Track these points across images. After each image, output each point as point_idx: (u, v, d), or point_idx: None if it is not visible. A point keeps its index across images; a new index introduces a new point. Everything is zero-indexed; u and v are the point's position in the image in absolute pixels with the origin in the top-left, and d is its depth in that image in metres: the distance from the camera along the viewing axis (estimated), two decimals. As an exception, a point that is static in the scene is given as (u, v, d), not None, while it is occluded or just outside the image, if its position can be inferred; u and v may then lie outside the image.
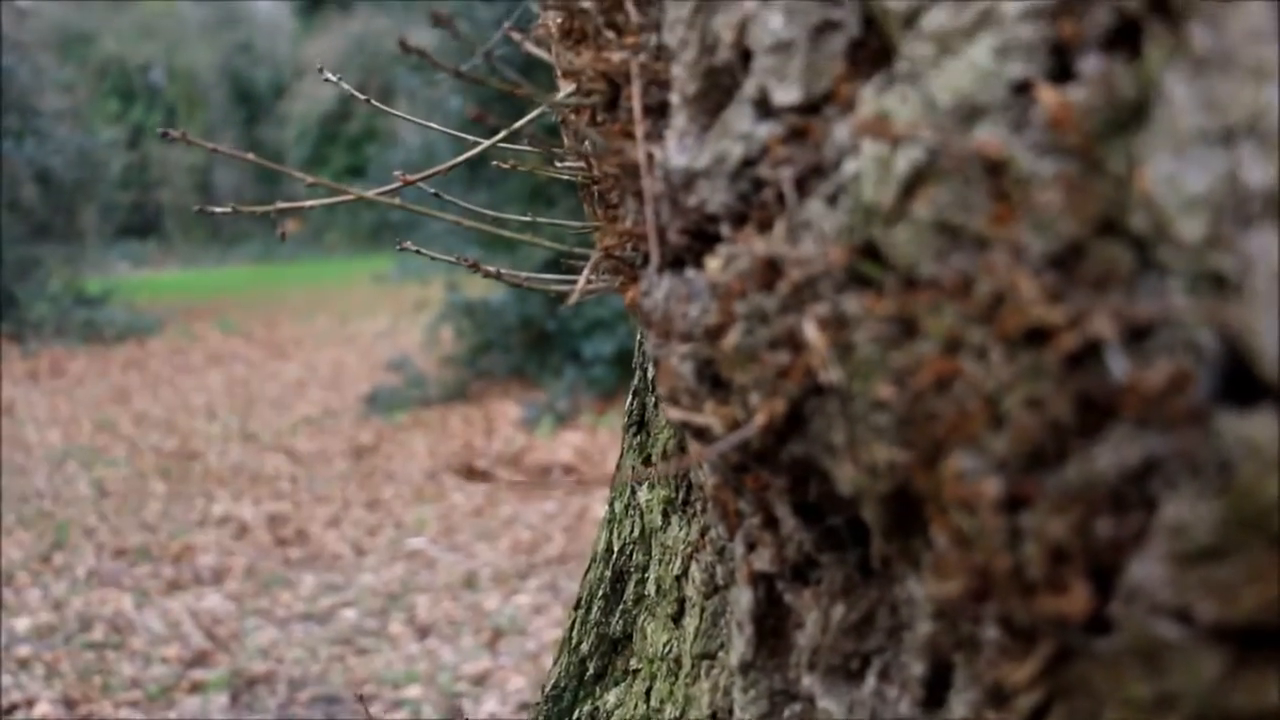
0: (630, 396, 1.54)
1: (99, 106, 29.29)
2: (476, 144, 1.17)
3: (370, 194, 1.04)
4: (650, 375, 1.42)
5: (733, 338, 0.80)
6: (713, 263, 0.81)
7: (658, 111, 0.91)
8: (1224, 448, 0.56)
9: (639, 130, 0.86)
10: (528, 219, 1.35)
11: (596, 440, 11.20)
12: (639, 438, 1.50)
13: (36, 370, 15.82)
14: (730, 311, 0.80)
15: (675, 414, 0.89)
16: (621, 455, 1.57)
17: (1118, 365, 0.58)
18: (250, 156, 1.02)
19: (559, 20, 1.03)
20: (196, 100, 31.51)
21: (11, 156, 17.54)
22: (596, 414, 11.71)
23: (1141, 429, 0.59)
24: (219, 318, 19.55)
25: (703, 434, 0.89)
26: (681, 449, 1.37)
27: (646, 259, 0.93)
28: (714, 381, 0.85)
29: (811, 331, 0.73)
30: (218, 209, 1.11)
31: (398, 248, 1.58)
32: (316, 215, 28.14)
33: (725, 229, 0.82)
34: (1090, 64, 0.65)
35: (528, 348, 12.64)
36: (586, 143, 0.99)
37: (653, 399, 1.45)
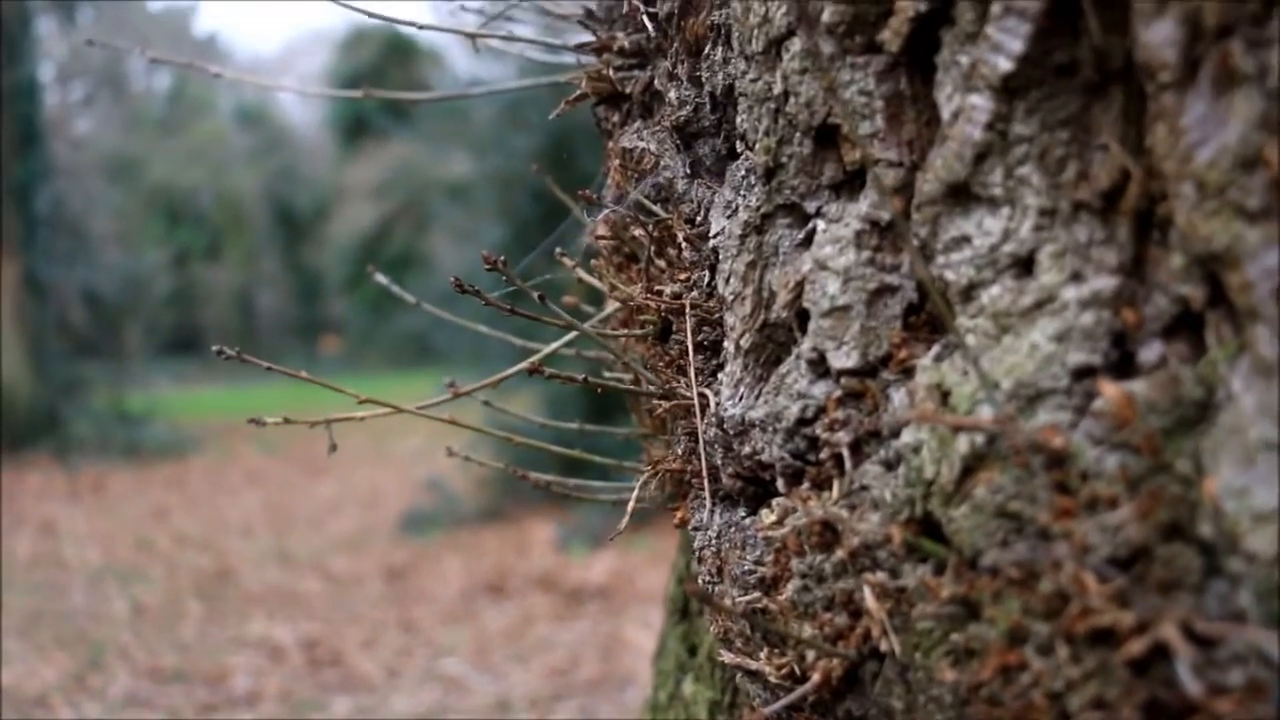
0: (673, 579, 1.53)
1: (147, 229, 29.90)
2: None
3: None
4: (695, 568, 1.41)
5: (789, 593, 0.79)
6: (768, 516, 0.81)
7: (709, 349, 0.92)
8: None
9: (692, 373, 0.86)
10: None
11: (629, 561, 11.10)
12: (683, 625, 1.48)
13: (78, 488, 15.91)
14: (786, 566, 0.79)
15: (729, 657, 0.88)
16: (663, 638, 1.55)
17: (1189, 681, 0.57)
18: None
19: (609, 244, 1.05)
20: (240, 222, 32.14)
21: (62, 280, 17.89)
22: (629, 535, 11.61)
23: (1216, 741, 0.57)
24: (258, 436, 19.66)
25: (756, 677, 0.87)
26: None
27: (697, 481, 0.92)
28: (768, 628, 0.84)
29: (870, 600, 0.72)
30: (266, 423, 1.12)
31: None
32: (355, 337, 28.43)
33: (780, 484, 0.81)
34: (1152, 352, 0.65)
35: (562, 468, 12.60)
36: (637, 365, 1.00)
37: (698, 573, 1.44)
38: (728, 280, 0.85)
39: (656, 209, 1.00)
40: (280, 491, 16.20)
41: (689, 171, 0.97)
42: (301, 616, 10.49)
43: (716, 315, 0.90)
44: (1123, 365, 0.65)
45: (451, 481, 13.81)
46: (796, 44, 0.80)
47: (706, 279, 0.93)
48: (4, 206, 16.24)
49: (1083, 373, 0.65)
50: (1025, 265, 0.69)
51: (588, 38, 1.14)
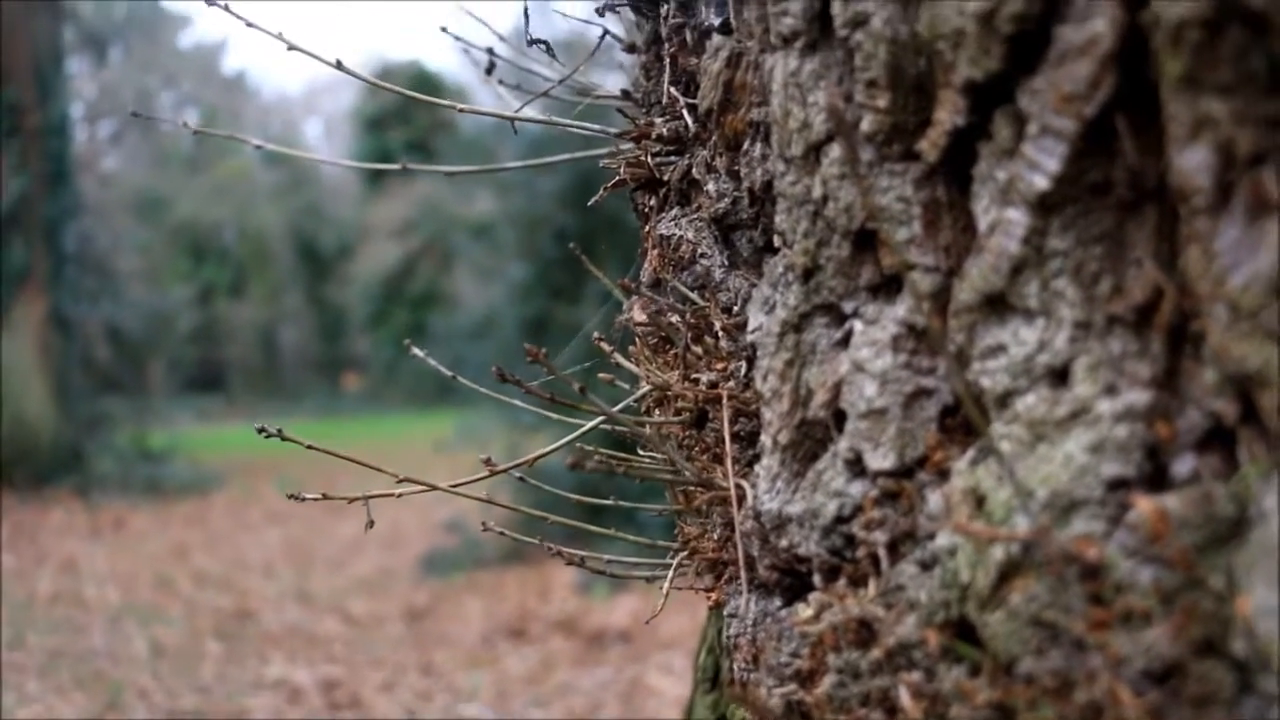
0: (702, 649, 1.53)
1: (172, 265, 30.16)
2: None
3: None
4: (726, 639, 1.42)
5: (824, 687, 0.80)
6: (804, 610, 0.82)
7: (746, 440, 0.93)
8: None
9: (729, 464, 0.88)
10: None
11: (652, 605, 11.01)
12: (713, 694, 1.49)
13: (99, 525, 15.97)
14: (823, 661, 0.81)
15: (764, 745, 0.89)
16: (691, 704, 1.55)
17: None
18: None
19: (646, 330, 1.07)
20: (265, 259, 32.37)
21: (87, 317, 18.03)
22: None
23: None
24: (279, 474, 19.72)
25: (791, 765, 0.88)
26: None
27: (733, 569, 0.94)
28: (803, 719, 0.85)
29: (907, 699, 0.74)
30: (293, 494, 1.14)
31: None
32: (378, 374, 28.53)
33: (817, 578, 0.83)
34: (1185, 466, 0.66)
35: (583, 511, 12.59)
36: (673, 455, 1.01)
37: (728, 662, 1.44)
38: (765, 377, 0.86)
39: (694, 296, 1.02)
40: (301, 530, 16.22)
41: (726, 262, 0.99)
42: (321, 658, 10.48)
43: (753, 407, 0.92)
44: (1156, 478, 0.67)
45: (472, 523, 13.77)
46: (835, 149, 0.82)
47: (744, 370, 0.94)
48: (32, 243, 16.40)
49: (1117, 484, 0.67)
50: (1060, 376, 0.71)
51: (625, 121, 1.17)
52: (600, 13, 1.14)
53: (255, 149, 1.34)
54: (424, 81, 27.12)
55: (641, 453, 1.21)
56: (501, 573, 12.65)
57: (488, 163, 13.07)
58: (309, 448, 1.15)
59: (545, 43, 1.19)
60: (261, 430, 1.11)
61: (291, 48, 1.21)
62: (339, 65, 1.18)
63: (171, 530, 16.08)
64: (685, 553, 1.06)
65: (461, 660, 10.21)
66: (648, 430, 1.06)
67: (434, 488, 1.10)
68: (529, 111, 1.28)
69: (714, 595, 1.03)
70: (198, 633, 11.21)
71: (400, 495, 1.13)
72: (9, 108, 15.07)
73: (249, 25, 1.20)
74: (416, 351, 1.31)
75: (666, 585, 1.03)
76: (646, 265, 1.09)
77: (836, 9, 0.80)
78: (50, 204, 16.35)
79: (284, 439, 1.11)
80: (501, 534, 1.38)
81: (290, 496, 1.18)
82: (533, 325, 12.06)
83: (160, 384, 24.03)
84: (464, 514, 14.10)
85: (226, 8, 1.23)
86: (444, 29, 1.41)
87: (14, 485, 16.46)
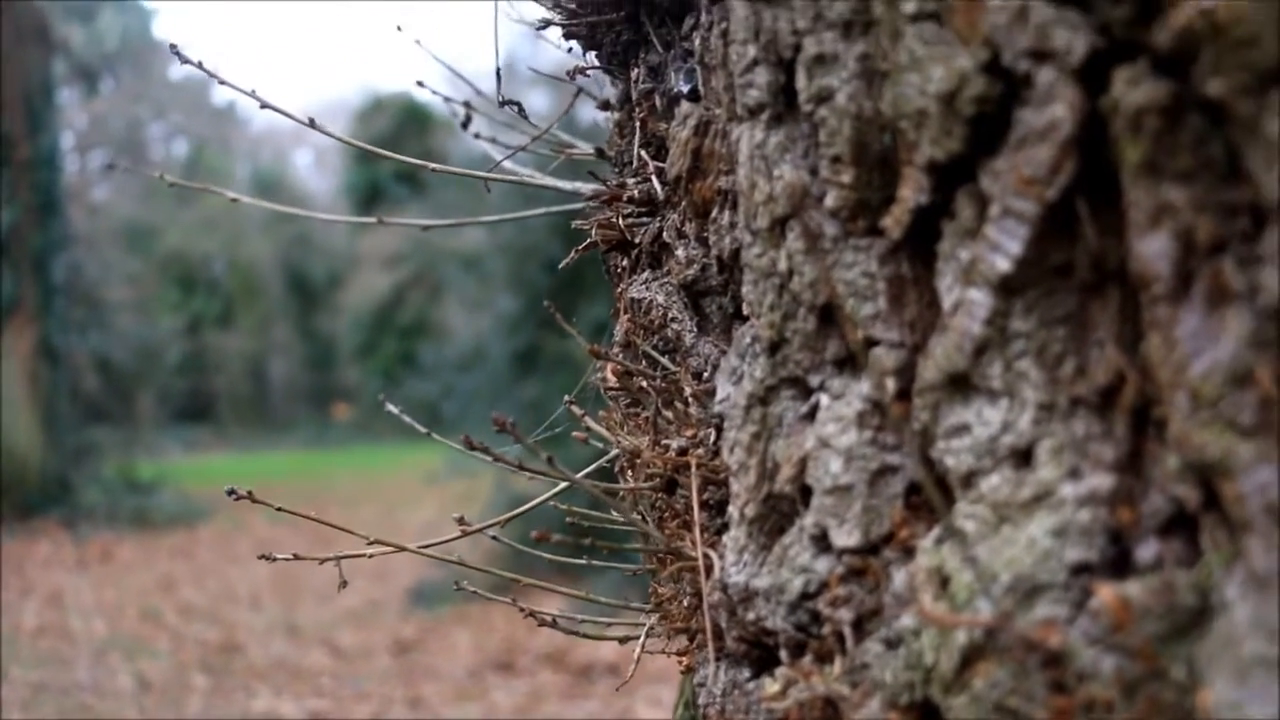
0: (679, 703, 1.52)
1: (161, 296, 30.08)
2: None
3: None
4: (698, 707, 1.41)
5: (792, 764, 0.79)
6: (771, 685, 0.82)
7: (715, 508, 0.93)
8: None
9: (697, 534, 0.87)
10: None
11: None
12: (690, 750, 1.48)
13: (86, 557, 15.88)
14: (789, 738, 0.80)
15: (733, 819, 0.88)
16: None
17: None
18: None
19: (616, 394, 1.06)
20: (255, 290, 32.32)
21: (76, 348, 18.00)
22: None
23: None
24: (266, 508, 19.59)
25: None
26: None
27: (701, 637, 0.93)
28: (772, 794, 0.84)
29: (872, 781, 0.73)
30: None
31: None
32: (367, 404, 28.43)
33: (784, 653, 0.82)
34: (1148, 551, 0.66)
35: (572, 544, 12.54)
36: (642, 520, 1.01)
37: None
38: (732, 449, 0.86)
39: (664, 361, 1.02)
40: (289, 562, 16.12)
41: (696, 328, 0.99)
42: (308, 692, 10.41)
43: (722, 475, 0.92)
44: (1119, 562, 0.66)
45: (461, 555, 13.70)
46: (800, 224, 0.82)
47: (713, 437, 0.94)
48: (21, 274, 16.38)
49: (1080, 569, 0.66)
50: (1024, 457, 0.70)
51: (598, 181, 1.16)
52: (571, 76, 1.14)
53: (232, 201, 1.34)
54: (413, 114, 27.19)
55: (615, 514, 1.21)
56: (489, 605, 12.58)
57: (476, 193, 13.09)
58: (278, 509, 1.14)
59: (518, 103, 1.19)
60: (231, 492, 1.10)
61: (264, 105, 1.20)
62: (311, 124, 1.17)
63: (158, 562, 15.99)
64: (658, 615, 1.05)
65: (449, 694, 10.15)
66: (619, 496, 1.05)
67: (402, 549, 1.09)
68: (505, 164, 1.28)
69: (685, 660, 1.02)
70: (184, 666, 11.13)
71: (371, 556, 1.12)
72: (-1, 139, 15.09)
73: (221, 82, 1.20)
74: (391, 408, 1.30)
75: (638, 650, 1.02)
76: (619, 328, 1.09)
77: (801, 83, 0.80)
78: (40, 235, 16.33)
79: (253, 500, 1.10)
80: (475, 585, 1.37)
81: (261, 557, 1.17)
82: (522, 356, 12.06)
83: (149, 415, 23.97)
84: (453, 545, 14.03)
85: (200, 65, 1.23)
86: (420, 83, 1.41)
87: (1, 516, 16.36)
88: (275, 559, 1.17)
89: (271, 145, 38.02)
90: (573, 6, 1.10)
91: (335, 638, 12.18)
